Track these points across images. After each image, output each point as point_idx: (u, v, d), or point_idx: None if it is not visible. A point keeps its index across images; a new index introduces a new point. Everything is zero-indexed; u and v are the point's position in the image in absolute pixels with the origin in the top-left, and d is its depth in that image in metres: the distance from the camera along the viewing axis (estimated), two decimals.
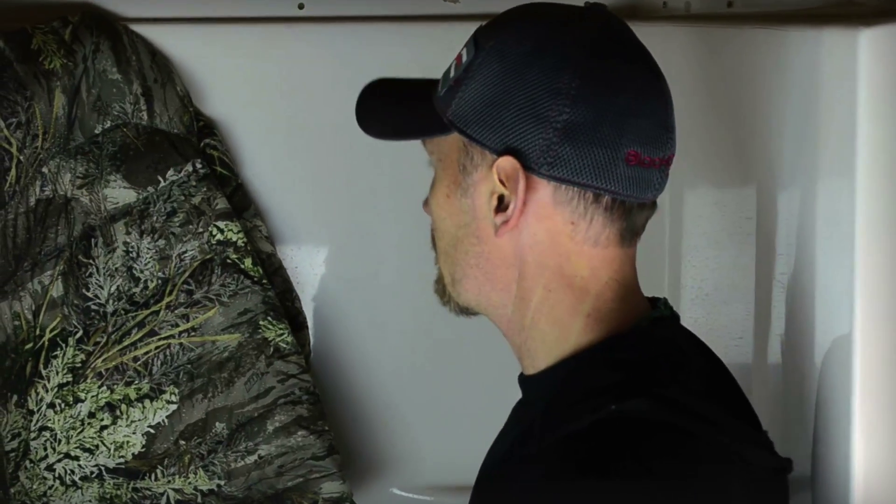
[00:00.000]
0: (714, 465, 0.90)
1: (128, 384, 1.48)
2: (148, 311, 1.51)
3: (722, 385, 1.03)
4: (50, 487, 1.45)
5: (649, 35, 1.57)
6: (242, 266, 1.56)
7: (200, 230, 1.55)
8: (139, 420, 1.48)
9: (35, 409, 1.44)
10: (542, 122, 0.91)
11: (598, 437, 0.88)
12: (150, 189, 1.52)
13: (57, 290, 1.46)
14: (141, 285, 1.51)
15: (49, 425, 1.45)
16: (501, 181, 0.94)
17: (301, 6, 1.58)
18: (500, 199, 0.95)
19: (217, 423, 1.52)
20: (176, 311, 1.52)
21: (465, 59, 0.97)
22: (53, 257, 1.47)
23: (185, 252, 1.54)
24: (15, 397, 1.42)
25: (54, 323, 1.46)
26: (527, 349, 1.01)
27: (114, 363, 1.48)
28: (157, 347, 1.50)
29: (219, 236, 1.55)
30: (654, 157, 0.94)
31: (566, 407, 0.94)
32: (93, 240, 1.49)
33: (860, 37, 1.19)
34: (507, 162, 0.93)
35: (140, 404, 1.48)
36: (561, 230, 0.95)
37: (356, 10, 1.55)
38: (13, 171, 1.39)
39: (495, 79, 0.94)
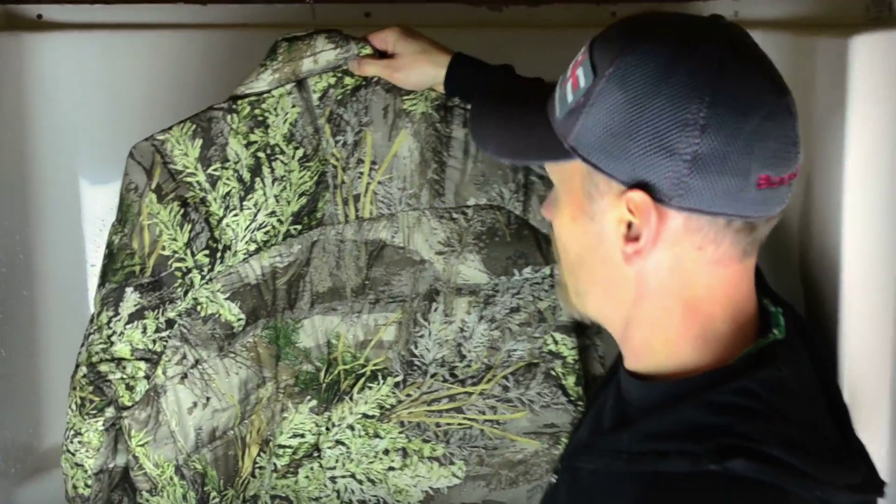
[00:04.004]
0: None
1: (425, 441, 1.52)
2: (462, 390, 1.51)
3: (821, 419, 0.98)
4: (326, 496, 1.54)
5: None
6: (564, 382, 1.49)
7: (537, 335, 1.49)
8: (424, 477, 1.52)
9: (337, 423, 1.52)
10: (671, 155, 0.89)
11: (694, 492, 0.90)
12: (503, 279, 1.48)
13: (388, 334, 1.49)
14: (464, 363, 1.50)
15: (346, 442, 1.52)
16: (631, 210, 0.92)
17: None
18: (629, 225, 0.93)
19: None
20: (486, 401, 1.51)
21: (582, 82, 0.94)
22: (397, 302, 1.49)
23: (514, 350, 1.50)
24: (313, 402, 1.50)
25: (379, 360, 1.50)
26: (632, 351, 1.02)
27: (417, 419, 1.51)
28: (459, 424, 1.51)
29: (552, 346, 1.49)
30: (784, 175, 0.91)
31: (659, 438, 0.94)
32: (434, 304, 1.49)
33: (851, 44, 1.24)
34: (637, 195, 0.91)
35: (430, 463, 1.52)
36: (688, 255, 0.93)
37: None
38: (339, 192, 1.42)
39: (619, 109, 0.91)
